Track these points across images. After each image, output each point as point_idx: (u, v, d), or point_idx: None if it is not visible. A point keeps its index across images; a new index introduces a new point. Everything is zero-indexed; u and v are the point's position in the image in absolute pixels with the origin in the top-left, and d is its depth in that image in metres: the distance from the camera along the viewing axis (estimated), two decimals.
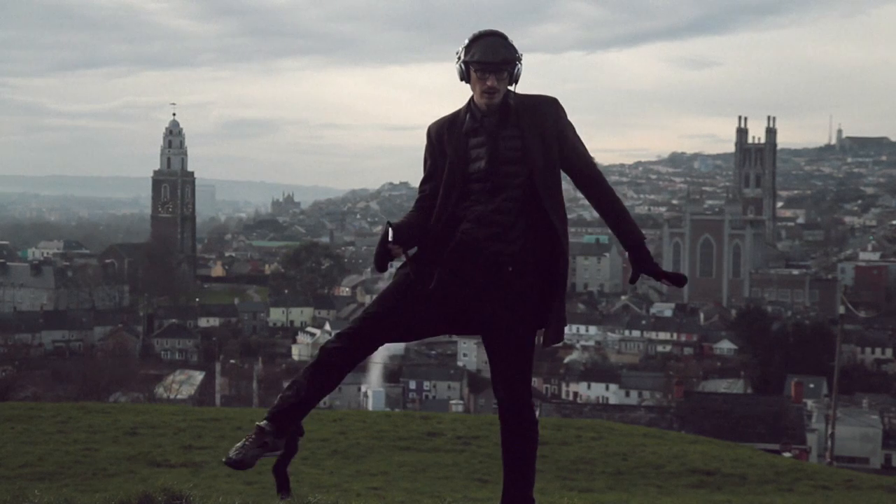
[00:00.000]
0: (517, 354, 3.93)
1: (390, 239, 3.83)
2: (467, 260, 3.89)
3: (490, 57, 3.78)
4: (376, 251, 3.87)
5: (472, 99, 3.92)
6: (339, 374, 3.96)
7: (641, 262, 3.91)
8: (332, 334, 4.04)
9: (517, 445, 4.00)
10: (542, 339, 3.98)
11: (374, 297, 3.97)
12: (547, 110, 3.92)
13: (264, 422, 3.96)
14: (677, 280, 3.94)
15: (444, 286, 3.91)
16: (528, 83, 3.95)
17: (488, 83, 3.81)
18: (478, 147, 3.89)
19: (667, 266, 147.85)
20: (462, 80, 3.88)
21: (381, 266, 3.85)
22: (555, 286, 3.93)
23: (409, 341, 4.16)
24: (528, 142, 3.86)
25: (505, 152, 3.87)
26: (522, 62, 3.86)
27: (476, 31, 3.88)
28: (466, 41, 3.85)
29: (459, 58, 3.85)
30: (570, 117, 3.96)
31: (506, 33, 3.86)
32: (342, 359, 3.93)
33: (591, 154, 4.05)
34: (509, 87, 3.89)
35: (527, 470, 4.03)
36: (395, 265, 4.04)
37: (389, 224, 3.87)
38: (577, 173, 3.97)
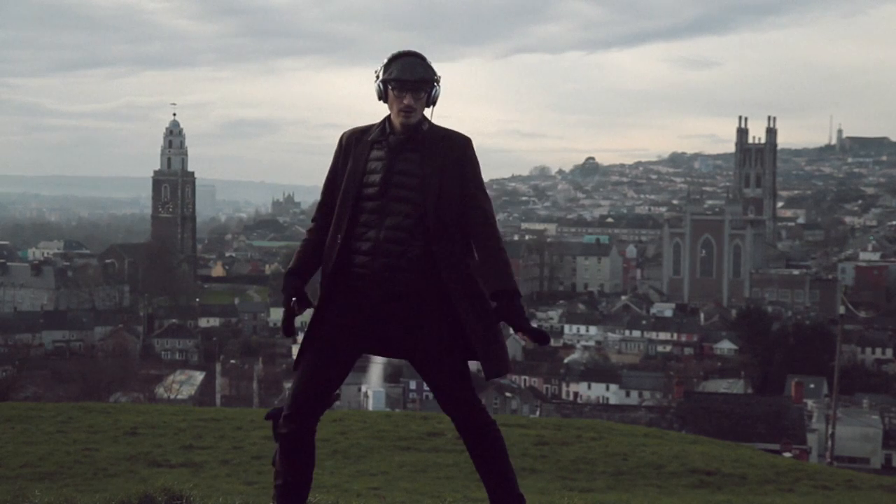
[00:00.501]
0: (447, 377, 3.94)
1: (295, 314, 3.95)
2: (364, 293, 3.90)
3: (408, 75, 3.84)
4: (283, 319, 3.95)
5: (387, 117, 3.97)
6: (308, 452, 4.01)
7: (510, 311, 3.84)
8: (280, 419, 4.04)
9: (485, 451, 4.01)
10: (481, 372, 3.94)
11: (296, 368, 4.00)
12: (454, 145, 3.94)
13: None
14: (539, 338, 3.85)
15: (350, 325, 3.93)
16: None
17: (405, 101, 3.86)
18: (377, 160, 3.93)
19: (667, 266, 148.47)
20: (380, 99, 3.94)
21: (289, 333, 3.92)
22: (480, 318, 3.88)
23: None
24: (426, 169, 3.89)
25: (399, 175, 3.89)
26: (440, 84, 3.91)
27: (395, 51, 3.92)
28: (385, 60, 3.90)
29: (378, 77, 3.91)
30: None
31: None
32: (301, 439, 3.99)
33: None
34: (426, 113, 3.94)
35: (504, 469, 4.03)
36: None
37: (290, 297, 3.94)
38: (466, 213, 3.93)
